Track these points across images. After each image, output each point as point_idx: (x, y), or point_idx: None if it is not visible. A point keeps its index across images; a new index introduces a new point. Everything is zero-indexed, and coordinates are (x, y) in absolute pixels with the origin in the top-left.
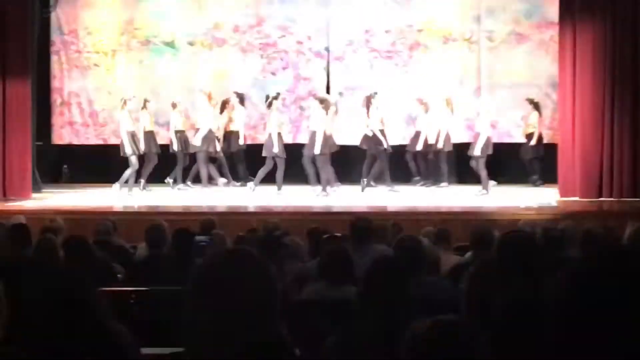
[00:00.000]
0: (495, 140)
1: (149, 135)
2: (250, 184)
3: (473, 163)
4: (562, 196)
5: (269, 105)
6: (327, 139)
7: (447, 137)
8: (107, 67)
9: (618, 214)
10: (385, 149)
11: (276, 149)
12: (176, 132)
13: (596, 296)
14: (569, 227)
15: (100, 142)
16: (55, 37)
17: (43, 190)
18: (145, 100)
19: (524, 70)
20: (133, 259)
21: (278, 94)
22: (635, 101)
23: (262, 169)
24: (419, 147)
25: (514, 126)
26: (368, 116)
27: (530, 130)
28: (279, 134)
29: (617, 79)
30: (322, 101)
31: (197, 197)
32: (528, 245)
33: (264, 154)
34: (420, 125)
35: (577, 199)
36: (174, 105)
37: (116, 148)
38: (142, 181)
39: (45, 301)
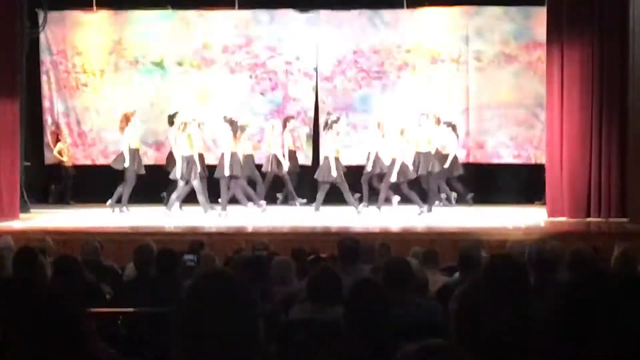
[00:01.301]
0: (483, 160)
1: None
2: (310, 207)
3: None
4: (549, 216)
5: (329, 127)
6: (236, 160)
7: (403, 167)
8: (96, 87)
9: (606, 234)
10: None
11: (334, 173)
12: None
13: (584, 320)
14: (557, 248)
15: (89, 162)
16: (44, 57)
17: (31, 210)
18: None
19: (512, 90)
20: (121, 280)
21: (338, 117)
22: (623, 121)
23: (319, 193)
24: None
25: (503, 147)
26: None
27: (445, 152)
28: (337, 158)
29: (605, 100)
30: (231, 123)
31: (187, 217)
32: (516, 267)
33: (317, 177)
34: (373, 148)
35: (564, 219)
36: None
37: (105, 168)
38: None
39: (32, 322)
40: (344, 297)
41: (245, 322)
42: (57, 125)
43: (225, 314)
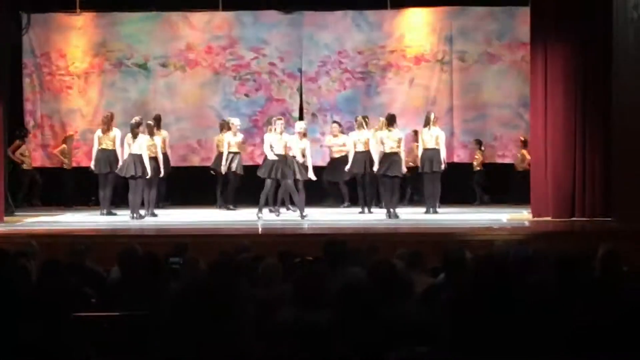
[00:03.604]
0: (467, 160)
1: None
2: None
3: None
4: (534, 216)
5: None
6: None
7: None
8: (80, 90)
9: (590, 234)
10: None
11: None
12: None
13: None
14: (541, 249)
15: (73, 164)
16: (27, 59)
17: (16, 213)
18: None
19: (496, 90)
20: (106, 283)
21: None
22: (607, 121)
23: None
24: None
25: (487, 146)
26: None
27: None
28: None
29: (589, 99)
30: (145, 125)
31: (170, 219)
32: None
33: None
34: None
35: (549, 219)
36: (223, 126)
37: (88, 170)
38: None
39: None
40: (331, 301)
41: (228, 330)
42: (38, 127)
43: (208, 324)
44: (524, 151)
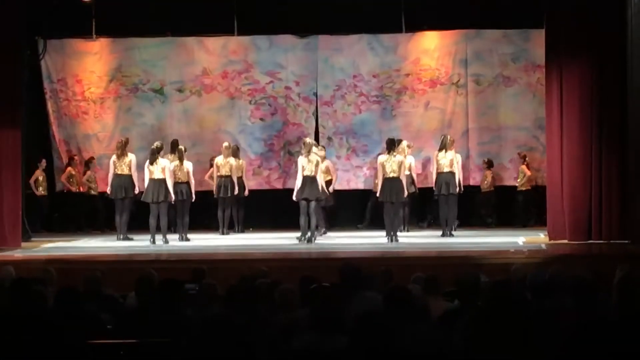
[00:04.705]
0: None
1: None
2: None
3: None
4: (551, 239)
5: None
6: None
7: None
8: (96, 115)
9: (607, 257)
10: None
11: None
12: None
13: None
14: (558, 273)
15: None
16: (45, 84)
17: (32, 239)
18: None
19: (512, 113)
20: (122, 309)
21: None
22: (623, 142)
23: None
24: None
25: (503, 169)
26: None
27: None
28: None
29: (604, 121)
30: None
31: (187, 244)
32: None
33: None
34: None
35: (566, 241)
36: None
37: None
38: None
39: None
40: (348, 327)
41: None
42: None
43: (226, 351)
44: (524, 167)
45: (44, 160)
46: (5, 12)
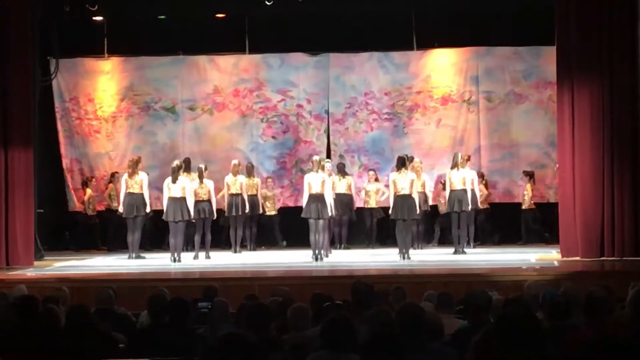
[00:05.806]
0: (496, 200)
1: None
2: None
3: None
4: (563, 256)
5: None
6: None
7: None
8: (107, 134)
9: (620, 274)
10: None
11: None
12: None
13: None
14: (571, 290)
15: (102, 208)
16: (57, 104)
17: (45, 257)
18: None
19: (523, 130)
20: (135, 328)
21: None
22: (635, 159)
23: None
24: None
25: (515, 186)
26: None
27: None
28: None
29: (616, 138)
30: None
31: (200, 262)
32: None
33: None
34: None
35: (578, 258)
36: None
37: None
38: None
39: None
40: (360, 345)
41: None
42: (68, 171)
43: None
44: (529, 185)
45: (94, 179)
46: (17, 32)
